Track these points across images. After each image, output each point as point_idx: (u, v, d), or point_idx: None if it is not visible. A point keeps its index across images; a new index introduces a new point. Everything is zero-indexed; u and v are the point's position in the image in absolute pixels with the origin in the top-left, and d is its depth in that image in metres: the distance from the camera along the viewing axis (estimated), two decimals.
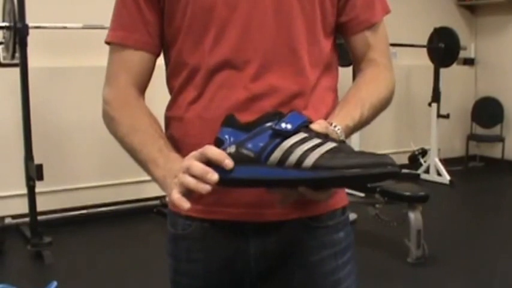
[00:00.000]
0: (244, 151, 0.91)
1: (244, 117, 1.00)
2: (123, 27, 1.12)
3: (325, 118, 1.07)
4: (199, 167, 0.90)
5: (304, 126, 0.93)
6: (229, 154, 0.92)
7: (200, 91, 1.08)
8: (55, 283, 1.66)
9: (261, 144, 0.91)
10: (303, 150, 0.89)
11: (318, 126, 0.94)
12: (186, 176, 0.91)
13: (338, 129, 1.00)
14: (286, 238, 1.11)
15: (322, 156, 0.88)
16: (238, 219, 1.08)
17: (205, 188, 0.89)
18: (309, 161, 0.88)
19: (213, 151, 0.91)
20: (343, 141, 0.96)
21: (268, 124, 0.92)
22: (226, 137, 0.94)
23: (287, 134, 0.90)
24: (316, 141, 0.90)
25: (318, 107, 1.10)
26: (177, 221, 1.16)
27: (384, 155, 0.89)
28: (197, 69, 1.08)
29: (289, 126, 0.91)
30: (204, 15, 1.06)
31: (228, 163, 0.90)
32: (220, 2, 1.05)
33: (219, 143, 0.94)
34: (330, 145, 0.90)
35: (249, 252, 1.10)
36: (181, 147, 1.08)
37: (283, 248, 1.11)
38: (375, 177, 0.89)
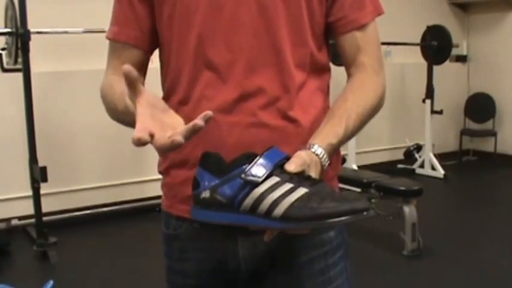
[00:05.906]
0: (218, 197, 0.92)
1: (232, 119, 1.02)
2: (117, 22, 1.14)
3: (314, 119, 1.08)
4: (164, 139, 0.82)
5: (280, 165, 0.92)
6: (204, 198, 0.94)
7: (187, 92, 1.07)
8: (51, 282, 1.70)
9: (233, 192, 0.91)
10: (273, 199, 0.88)
11: (293, 166, 0.92)
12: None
13: (321, 152, 0.98)
14: (274, 240, 1.06)
15: (291, 205, 0.87)
16: None
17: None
18: (279, 211, 0.87)
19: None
20: (319, 181, 0.92)
21: (244, 166, 0.91)
22: (202, 179, 0.95)
23: (256, 183, 0.89)
24: (288, 186, 0.89)
25: (305, 107, 1.08)
26: (169, 221, 1.16)
27: (360, 198, 0.87)
28: (184, 70, 1.07)
29: (260, 173, 0.90)
30: (189, 16, 1.05)
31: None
32: (205, 3, 1.04)
33: (196, 185, 0.96)
34: (300, 191, 0.88)
35: (238, 253, 1.10)
36: None
37: (271, 249, 1.10)
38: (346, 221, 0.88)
